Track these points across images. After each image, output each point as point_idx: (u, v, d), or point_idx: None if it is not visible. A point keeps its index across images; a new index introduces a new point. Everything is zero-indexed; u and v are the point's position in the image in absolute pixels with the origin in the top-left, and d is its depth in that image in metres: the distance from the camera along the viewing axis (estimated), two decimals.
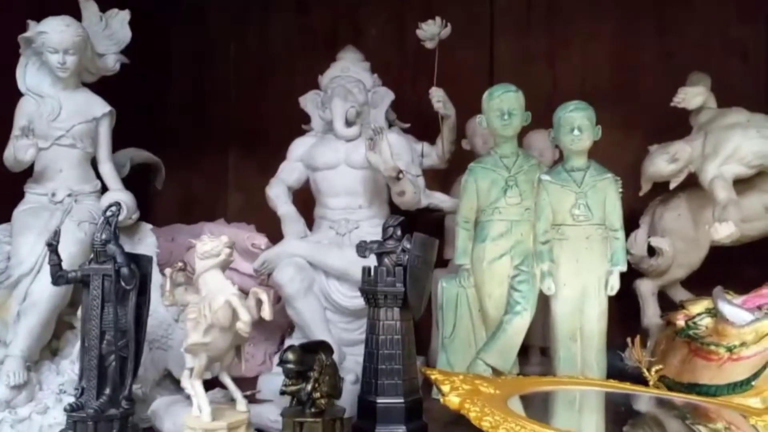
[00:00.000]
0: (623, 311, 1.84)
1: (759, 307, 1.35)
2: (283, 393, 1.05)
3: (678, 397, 1.28)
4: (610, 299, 1.62)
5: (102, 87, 1.56)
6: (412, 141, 1.72)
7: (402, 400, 1.15)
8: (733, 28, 1.98)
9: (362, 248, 1.23)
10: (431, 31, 1.59)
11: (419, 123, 1.81)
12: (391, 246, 1.21)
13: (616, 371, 1.51)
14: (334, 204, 1.61)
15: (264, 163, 1.84)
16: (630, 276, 1.82)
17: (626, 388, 1.33)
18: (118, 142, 1.73)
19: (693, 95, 1.65)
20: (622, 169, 1.77)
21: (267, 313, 1.02)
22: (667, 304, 1.76)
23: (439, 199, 1.69)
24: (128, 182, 1.61)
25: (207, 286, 1.05)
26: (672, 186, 1.66)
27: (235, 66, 2.27)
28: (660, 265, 1.70)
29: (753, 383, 1.23)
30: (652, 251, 1.75)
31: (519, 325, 1.42)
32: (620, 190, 1.47)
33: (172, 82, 2.30)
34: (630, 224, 1.84)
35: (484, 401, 1.14)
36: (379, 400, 1.15)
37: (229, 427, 1.02)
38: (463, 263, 1.51)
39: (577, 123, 1.43)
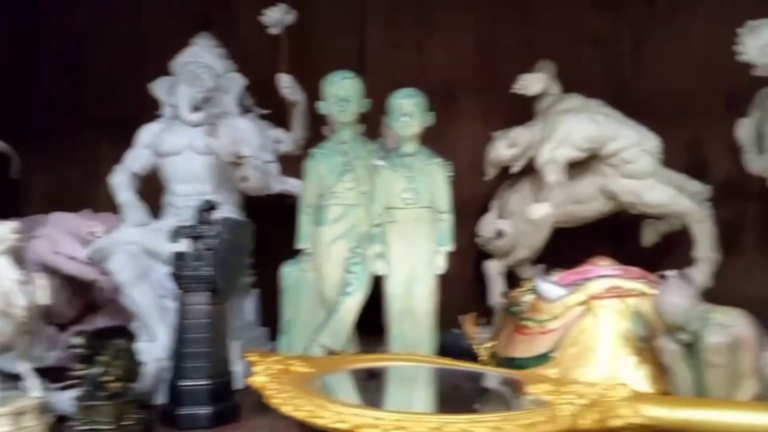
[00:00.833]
0: (481, 292, 1.93)
1: (574, 283, 1.42)
2: (74, 377, 1.06)
3: (491, 371, 1.34)
4: (470, 281, 1.69)
5: None
6: (267, 127, 1.74)
7: (207, 383, 1.18)
8: (587, 15, 2.05)
9: (174, 233, 1.24)
10: (274, 16, 1.61)
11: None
12: (202, 230, 1.22)
13: (459, 350, 1.57)
14: (180, 191, 1.60)
15: None
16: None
17: (444, 363, 1.38)
18: None
19: (533, 81, 1.72)
20: (485, 155, 1.85)
21: (42, 298, 1.02)
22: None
23: (292, 185, 1.71)
24: None
25: None
26: (513, 170, 1.73)
27: (106, 52, 2.23)
28: (503, 245, 1.77)
29: (553, 355, 1.31)
30: None
31: (350, 305, 1.47)
32: (450, 174, 1.52)
33: (41, 69, 2.24)
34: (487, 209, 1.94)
35: (289, 380, 1.17)
36: (183, 383, 1.17)
37: (14, 413, 1.03)
38: (305, 247, 1.54)
39: (406, 109, 1.47)
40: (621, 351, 1.25)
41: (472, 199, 1.94)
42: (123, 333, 1.12)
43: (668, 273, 1.23)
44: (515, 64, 2.04)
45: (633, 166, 1.61)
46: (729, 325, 1.07)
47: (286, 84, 1.63)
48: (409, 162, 1.49)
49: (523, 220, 1.75)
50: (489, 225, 1.81)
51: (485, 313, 1.75)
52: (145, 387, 1.19)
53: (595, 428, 1.01)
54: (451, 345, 1.54)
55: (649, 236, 1.77)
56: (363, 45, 2.15)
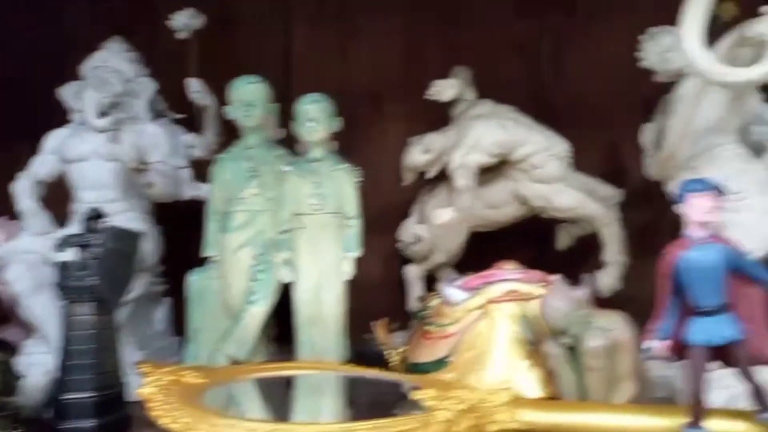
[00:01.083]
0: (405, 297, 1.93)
1: (476, 287, 1.42)
2: None
3: (386, 377, 1.33)
4: (396, 286, 1.67)
5: None
6: (180, 132, 1.72)
7: (92, 395, 1.15)
8: (510, 22, 2.07)
9: (61, 243, 1.21)
10: (182, 20, 1.59)
11: None
12: (89, 239, 1.20)
13: (374, 356, 1.56)
14: (86, 197, 1.57)
15: None
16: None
17: (345, 369, 1.38)
18: None
19: (446, 88, 1.73)
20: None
21: None
22: None
23: (205, 191, 1.69)
24: None
25: None
26: (429, 176, 1.73)
27: (28, 56, 2.17)
28: (421, 250, 1.77)
29: (450, 359, 1.31)
30: None
31: (255, 314, 1.45)
32: (358, 179, 1.51)
33: None
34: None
35: (177, 392, 1.15)
36: (67, 396, 1.14)
37: None
38: (212, 255, 1.52)
39: (311, 115, 1.46)
40: (515, 354, 1.26)
41: (398, 203, 1.94)
42: (1, 346, 1.09)
43: (553, 277, 1.25)
44: (439, 69, 2.06)
45: (542, 170, 1.63)
46: (608, 328, 1.09)
47: (195, 88, 1.62)
48: (315, 167, 1.48)
49: (439, 224, 1.76)
50: (408, 230, 1.82)
51: (407, 318, 1.75)
52: (29, 401, 1.16)
53: None
54: (365, 351, 1.54)
55: (563, 240, 1.80)
56: (288, 49, 2.14)
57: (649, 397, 1.19)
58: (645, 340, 0.97)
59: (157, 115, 1.73)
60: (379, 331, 1.59)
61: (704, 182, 0.93)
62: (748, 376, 0.92)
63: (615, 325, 1.09)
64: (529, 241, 1.92)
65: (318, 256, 1.46)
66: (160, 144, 1.61)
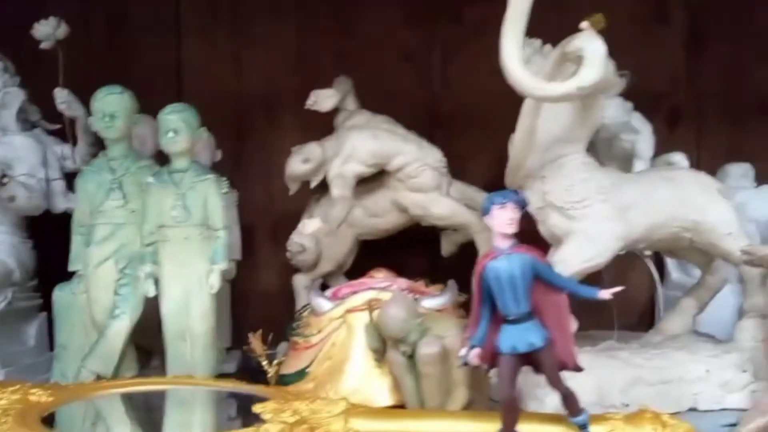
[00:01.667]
0: None
1: (343, 297, 1.43)
2: None
3: (241, 389, 1.32)
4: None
5: None
6: (53, 143, 1.68)
7: None
8: (401, 31, 2.10)
9: None
10: (44, 30, 1.55)
11: None
12: None
13: (253, 369, 1.55)
14: None
15: None
16: None
17: (207, 384, 1.37)
18: None
19: (324, 98, 1.74)
20: None
21: None
22: None
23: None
24: None
25: None
26: (312, 185, 1.74)
27: None
28: (306, 260, 1.77)
29: (308, 370, 1.32)
30: None
31: (118, 329, 1.42)
32: (225, 190, 1.50)
33: None
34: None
35: (19, 411, 1.12)
36: None
37: None
38: (77, 269, 1.49)
39: (172, 125, 1.43)
40: (369, 363, 1.27)
41: (293, 213, 1.93)
42: None
43: (396, 286, 1.27)
44: (333, 77, 2.07)
45: (417, 180, 1.66)
46: (442, 335, 1.11)
47: (62, 99, 1.58)
48: (178, 179, 1.45)
49: (325, 233, 1.76)
50: (294, 239, 1.81)
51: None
52: None
53: None
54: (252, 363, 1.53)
55: (447, 247, 1.83)
56: (179, 57, 2.11)
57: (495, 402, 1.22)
58: (462, 348, 0.99)
59: (30, 125, 1.69)
60: (255, 343, 1.58)
61: (506, 194, 0.97)
62: (555, 382, 0.96)
63: (448, 332, 1.11)
64: (427, 248, 1.95)
65: (183, 269, 1.44)
66: (26, 156, 1.57)
